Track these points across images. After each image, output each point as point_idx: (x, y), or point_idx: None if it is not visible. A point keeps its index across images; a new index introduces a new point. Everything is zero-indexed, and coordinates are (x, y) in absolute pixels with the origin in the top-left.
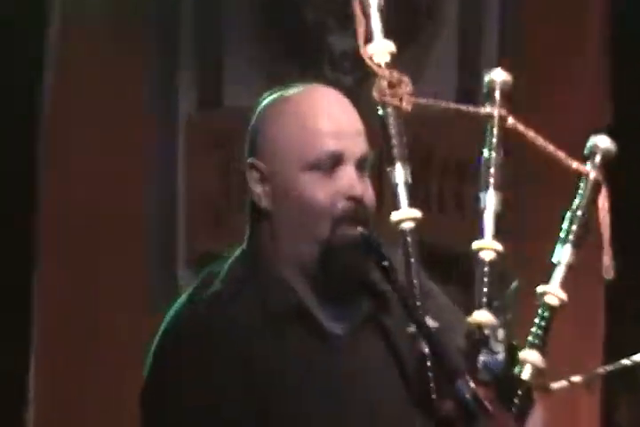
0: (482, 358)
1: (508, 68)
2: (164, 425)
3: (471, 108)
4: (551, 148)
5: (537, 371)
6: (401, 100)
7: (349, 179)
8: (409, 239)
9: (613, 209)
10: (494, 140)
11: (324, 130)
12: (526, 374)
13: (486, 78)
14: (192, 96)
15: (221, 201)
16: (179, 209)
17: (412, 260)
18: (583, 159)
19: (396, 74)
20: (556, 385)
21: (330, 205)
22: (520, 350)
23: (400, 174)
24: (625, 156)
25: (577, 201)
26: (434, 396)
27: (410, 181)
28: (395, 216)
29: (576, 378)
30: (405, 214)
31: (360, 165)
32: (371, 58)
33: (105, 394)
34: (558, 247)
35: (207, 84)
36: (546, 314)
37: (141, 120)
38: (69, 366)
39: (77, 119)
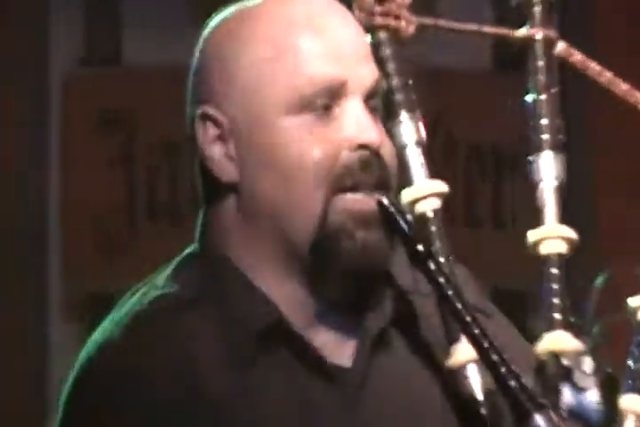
0: (564, 399)
1: None
2: None
3: (501, 30)
4: (621, 85)
5: None
6: (397, 18)
7: (357, 119)
8: (434, 227)
9: None
10: (541, 76)
11: (314, 49)
12: None
13: None
14: (73, 50)
15: (118, 214)
16: (50, 227)
17: (444, 259)
18: None
19: None
20: None
21: (328, 161)
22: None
23: (409, 129)
24: None
25: None
26: None
27: (424, 138)
28: (408, 194)
29: None
30: (425, 189)
31: (370, 99)
32: None
33: None
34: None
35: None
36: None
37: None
38: None
39: None
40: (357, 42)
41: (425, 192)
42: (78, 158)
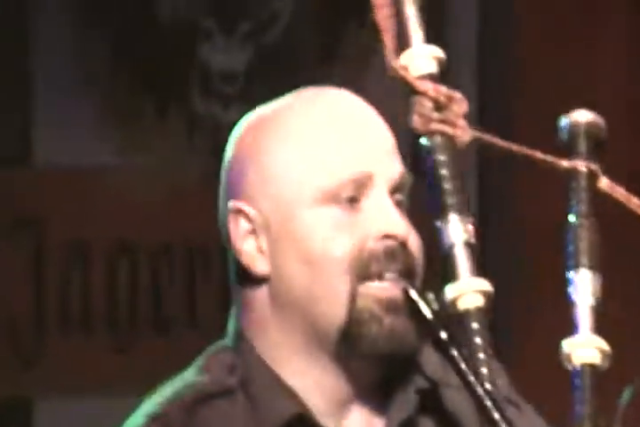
0: None
1: None
2: None
3: (548, 158)
4: None
5: None
6: (454, 126)
7: (383, 210)
8: (475, 325)
9: None
10: (582, 206)
11: (340, 144)
12: None
13: (565, 121)
14: None
15: (28, 321)
16: None
17: (482, 355)
18: None
19: (444, 90)
20: None
21: (354, 252)
22: None
23: (457, 230)
24: None
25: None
26: None
27: (473, 240)
28: (452, 290)
29: None
30: (469, 286)
31: (397, 192)
32: (405, 69)
33: None
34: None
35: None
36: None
37: None
38: None
39: None
40: (383, 137)
41: (468, 289)
42: None
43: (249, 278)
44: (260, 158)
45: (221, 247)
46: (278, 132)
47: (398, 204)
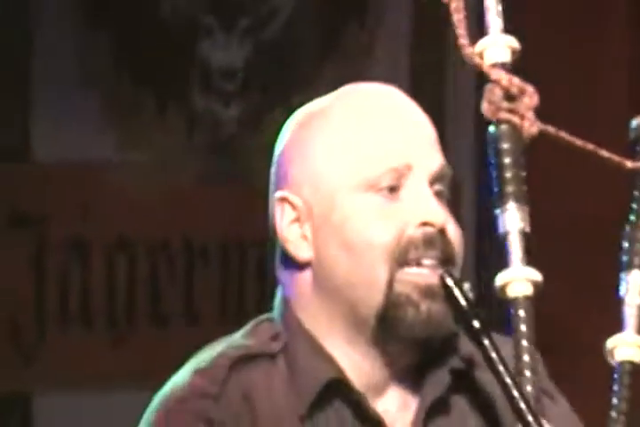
0: None
1: None
2: None
3: (614, 157)
4: None
5: None
6: (523, 117)
7: (422, 199)
8: (522, 313)
9: None
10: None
11: (382, 134)
12: None
13: (634, 123)
14: None
15: (28, 317)
16: None
17: (526, 343)
18: None
19: (516, 81)
20: None
21: (393, 238)
22: None
23: (514, 219)
24: None
25: None
26: None
27: (528, 229)
28: (503, 277)
29: None
30: (519, 274)
31: (436, 183)
32: (480, 56)
33: None
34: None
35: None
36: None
37: None
38: None
39: None
40: (424, 129)
41: (518, 277)
42: None
43: (293, 264)
44: (304, 149)
45: (220, 243)
46: (321, 123)
47: (438, 194)
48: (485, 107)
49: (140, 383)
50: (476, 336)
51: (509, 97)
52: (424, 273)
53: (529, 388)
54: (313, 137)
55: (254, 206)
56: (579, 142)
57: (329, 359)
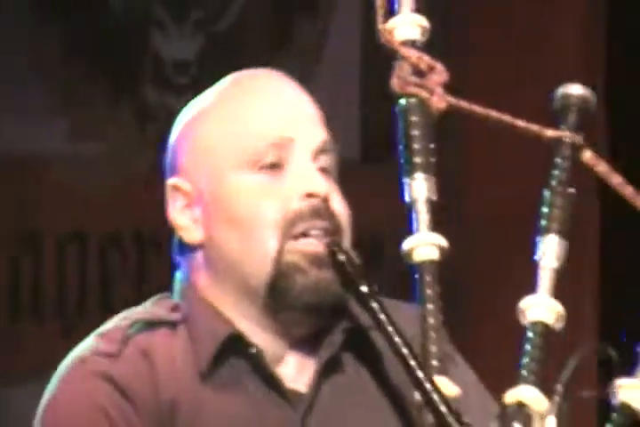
0: None
1: None
2: None
3: (532, 126)
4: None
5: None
6: (432, 93)
7: (304, 172)
8: (428, 276)
9: None
10: (563, 173)
11: (263, 110)
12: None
13: (559, 93)
14: None
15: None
16: None
17: (431, 306)
18: None
19: (426, 58)
20: None
21: (279, 211)
22: None
23: (421, 188)
24: None
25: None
26: None
27: (434, 197)
28: (409, 242)
29: None
30: (425, 239)
31: (320, 157)
32: (391, 33)
33: None
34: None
35: None
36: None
37: None
38: None
39: None
40: (305, 106)
41: (423, 242)
42: None
43: (188, 247)
44: (190, 135)
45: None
46: (204, 107)
47: (322, 168)
48: (394, 82)
49: None
50: (363, 300)
51: (419, 73)
52: (311, 242)
53: (433, 348)
54: (199, 123)
55: None
56: (494, 114)
57: (227, 321)
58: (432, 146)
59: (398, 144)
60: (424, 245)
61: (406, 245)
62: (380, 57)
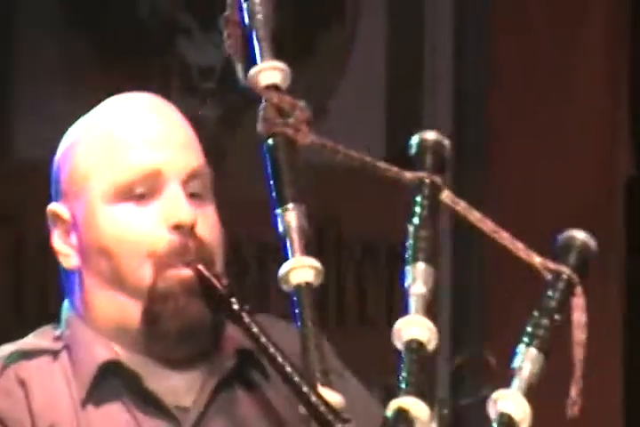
0: None
1: None
2: None
3: (391, 168)
4: (503, 234)
5: None
6: (296, 130)
7: (172, 201)
8: (304, 299)
9: None
10: (424, 210)
11: (130, 141)
12: None
13: (415, 139)
14: None
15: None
16: None
17: (311, 324)
18: None
19: (287, 98)
20: None
21: (146, 241)
22: None
23: (294, 216)
24: None
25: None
26: None
27: (306, 226)
28: (285, 267)
29: None
30: (299, 262)
31: (189, 184)
32: (255, 79)
33: None
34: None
35: None
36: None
37: None
38: None
39: None
40: (173, 132)
41: (298, 265)
42: None
43: (69, 272)
44: (67, 162)
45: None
46: (78, 136)
47: (192, 194)
48: (260, 124)
49: None
50: (236, 318)
51: (283, 113)
52: (182, 272)
53: (316, 364)
54: (72, 152)
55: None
56: (355, 155)
57: (105, 344)
58: (297, 177)
59: (268, 179)
60: (300, 267)
61: (282, 270)
62: (406, 66)
